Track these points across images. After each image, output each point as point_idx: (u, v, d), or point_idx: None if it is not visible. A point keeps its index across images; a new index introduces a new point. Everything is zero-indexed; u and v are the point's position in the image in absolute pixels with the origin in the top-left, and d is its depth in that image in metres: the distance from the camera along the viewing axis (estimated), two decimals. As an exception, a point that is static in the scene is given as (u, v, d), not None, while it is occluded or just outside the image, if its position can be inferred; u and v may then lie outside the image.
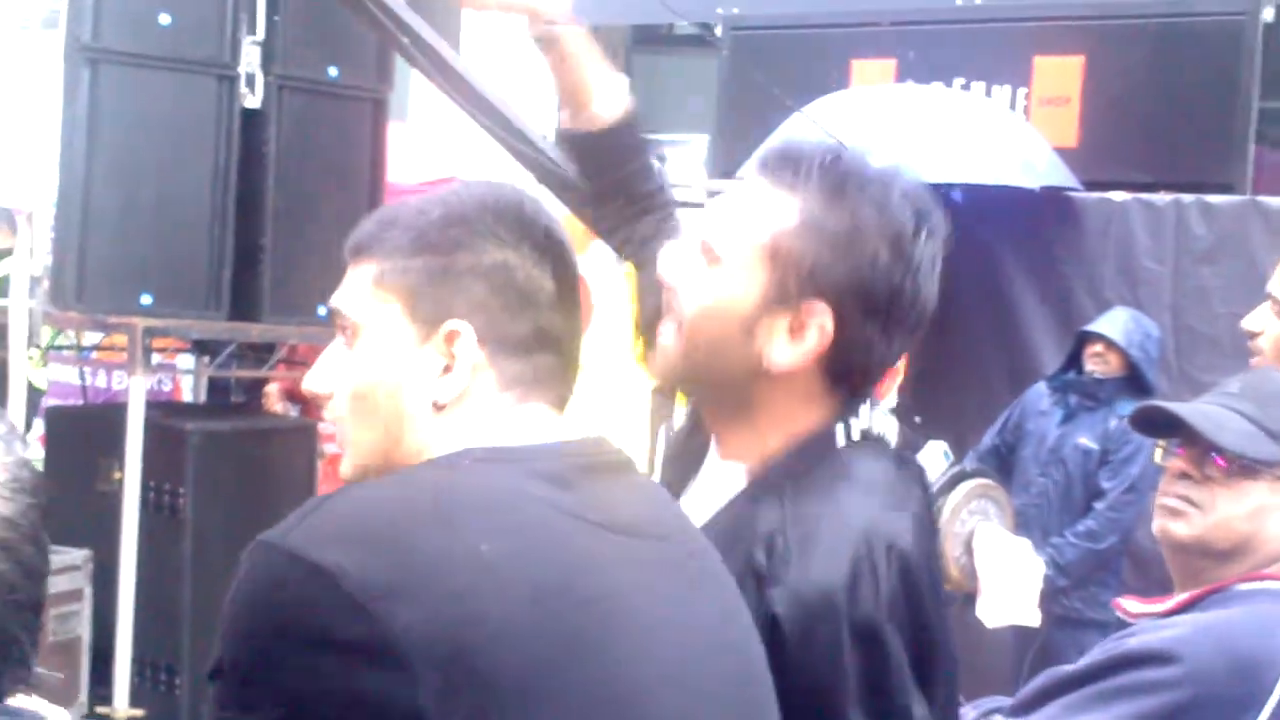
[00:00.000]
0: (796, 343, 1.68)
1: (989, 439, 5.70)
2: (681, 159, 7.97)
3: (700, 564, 1.52)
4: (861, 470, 1.71)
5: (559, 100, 2.23)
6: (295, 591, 1.28)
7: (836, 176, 1.71)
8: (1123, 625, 2.08)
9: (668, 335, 1.76)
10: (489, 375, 1.47)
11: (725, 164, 7.33)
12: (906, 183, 1.73)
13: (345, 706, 1.27)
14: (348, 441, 1.51)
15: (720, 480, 1.78)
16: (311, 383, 1.52)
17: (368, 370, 1.48)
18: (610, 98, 2.20)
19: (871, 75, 7.38)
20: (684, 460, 1.86)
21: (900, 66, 7.31)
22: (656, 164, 2.25)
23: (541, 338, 1.49)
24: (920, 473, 1.82)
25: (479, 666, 1.29)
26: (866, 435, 1.75)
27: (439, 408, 1.46)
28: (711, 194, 6.79)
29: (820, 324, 1.67)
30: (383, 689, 1.27)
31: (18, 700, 1.18)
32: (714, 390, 1.78)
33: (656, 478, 1.85)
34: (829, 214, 1.69)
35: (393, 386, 1.47)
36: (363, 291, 1.49)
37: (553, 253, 1.51)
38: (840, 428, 1.73)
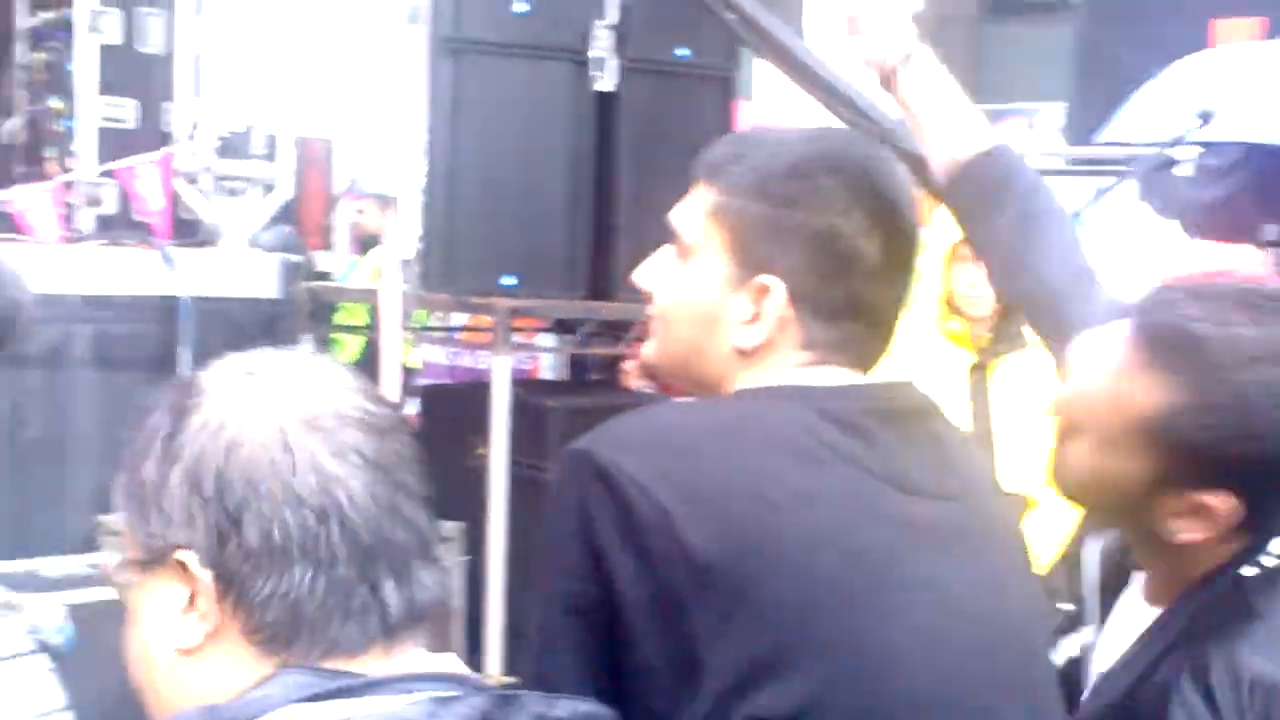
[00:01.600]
0: (1196, 522, 1.59)
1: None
2: (1037, 128, 7.78)
3: (983, 530, 1.50)
4: (1267, 611, 1.58)
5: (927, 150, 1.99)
6: (582, 487, 1.35)
7: (1216, 356, 1.57)
8: None
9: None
10: (793, 333, 1.49)
11: (1083, 131, 7.11)
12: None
13: (616, 601, 1.33)
14: (657, 336, 1.58)
15: (1133, 613, 1.71)
16: (639, 277, 1.60)
17: (686, 291, 1.54)
18: (965, 137, 1.94)
19: (1234, 35, 7.04)
20: (1114, 578, 1.78)
21: (1271, 24, 6.95)
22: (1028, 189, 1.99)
23: (854, 306, 1.49)
24: None
25: (752, 597, 1.32)
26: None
27: (740, 352, 1.49)
28: (1070, 162, 6.59)
29: (1228, 506, 1.57)
30: (652, 593, 1.32)
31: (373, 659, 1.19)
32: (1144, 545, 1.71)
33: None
34: (1216, 394, 1.56)
35: (702, 316, 1.52)
36: (698, 216, 1.53)
37: (887, 221, 1.50)
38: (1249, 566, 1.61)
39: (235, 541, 1.14)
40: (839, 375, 1.49)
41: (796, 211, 1.49)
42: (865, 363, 1.52)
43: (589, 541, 1.34)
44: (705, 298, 1.51)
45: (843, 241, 1.48)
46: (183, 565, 1.15)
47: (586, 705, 1.19)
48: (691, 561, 1.31)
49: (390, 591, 1.17)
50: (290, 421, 1.16)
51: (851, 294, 1.49)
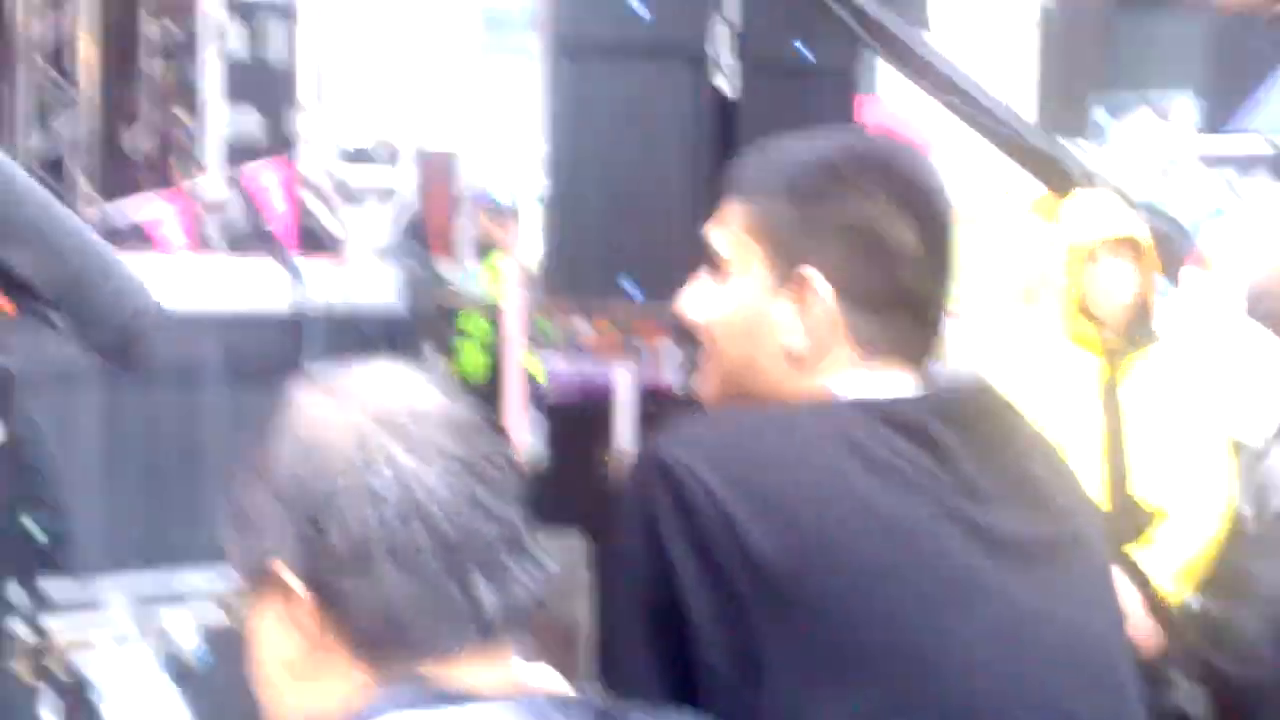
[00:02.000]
0: None
1: None
2: (1170, 116, 7.63)
3: (1055, 536, 1.48)
4: None
5: None
6: (648, 488, 1.36)
7: None
8: None
9: None
10: (841, 330, 1.48)
11: (1215, 121, 6.96)
12: None
13: (681, 604, 1.33)
14: (707, 362, 1.57)
15: None
16: (679, 307, 1.58)
17: (728, 307, 1.53)
18: None
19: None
20: None
21: None
22: None
23: (898, 295, 1.49)
24: None
25: (813, 600, 1.33)
26: None
27: (790, 355, 1.49)
28: (1201, 152, 6.43)
29: None
30: (717, 591, 1.32)
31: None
32: None
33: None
34: None
35: (749, 328, 1.51)
36: (731, 230, 1.54)
37: (921, 211, 1.50)
38: None
39: (320, 545, 1.16)
40: (899, 378, 1.49)
41: (828, 205, 1.49)
42: (918, 359, 1.52)
43: (655, 543, 1.35)
44: (749, 308, 1.51)
45: (878, 229, 1.48)
46: (279, 579, 1.17)
47: (689, 719, 1.19)
48: (753, 564, 1.32)
49: (483, 589, 1.17)
50: (366, 421, 1.18)
51: (893, 283, 1.49)
